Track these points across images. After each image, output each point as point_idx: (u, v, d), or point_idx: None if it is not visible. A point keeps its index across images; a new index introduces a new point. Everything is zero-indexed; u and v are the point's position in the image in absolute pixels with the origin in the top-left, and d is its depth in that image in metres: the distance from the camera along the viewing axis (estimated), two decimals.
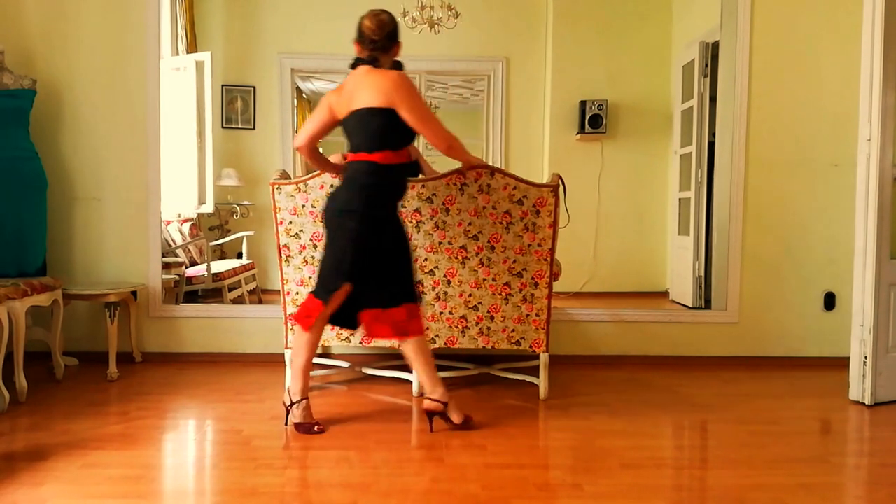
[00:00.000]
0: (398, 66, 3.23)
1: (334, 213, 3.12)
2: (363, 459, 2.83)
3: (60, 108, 4.36)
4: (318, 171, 3.58)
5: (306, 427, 3.14)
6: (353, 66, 3.19)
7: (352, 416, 3.40)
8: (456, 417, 3.17)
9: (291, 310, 3.69)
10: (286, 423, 3.20)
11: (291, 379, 3.21)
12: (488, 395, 3.78)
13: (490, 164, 3.65)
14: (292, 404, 3.17)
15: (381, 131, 3.08)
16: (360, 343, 3.70)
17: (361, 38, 3.17)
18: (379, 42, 3.15)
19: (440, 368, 3.98)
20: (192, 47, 6.33)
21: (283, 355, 3.82)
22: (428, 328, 3.66)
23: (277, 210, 3.62)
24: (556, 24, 6.77)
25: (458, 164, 3.44)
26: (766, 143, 4.51)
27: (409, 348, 3.18)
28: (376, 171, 3.09)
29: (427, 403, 3.17)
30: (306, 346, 3.17)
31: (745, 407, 3.63)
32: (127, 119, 4.38)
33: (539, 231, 3.58)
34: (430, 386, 3.17)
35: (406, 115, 3.05)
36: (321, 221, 3.28)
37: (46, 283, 3.80)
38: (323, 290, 3.14)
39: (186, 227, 5.92)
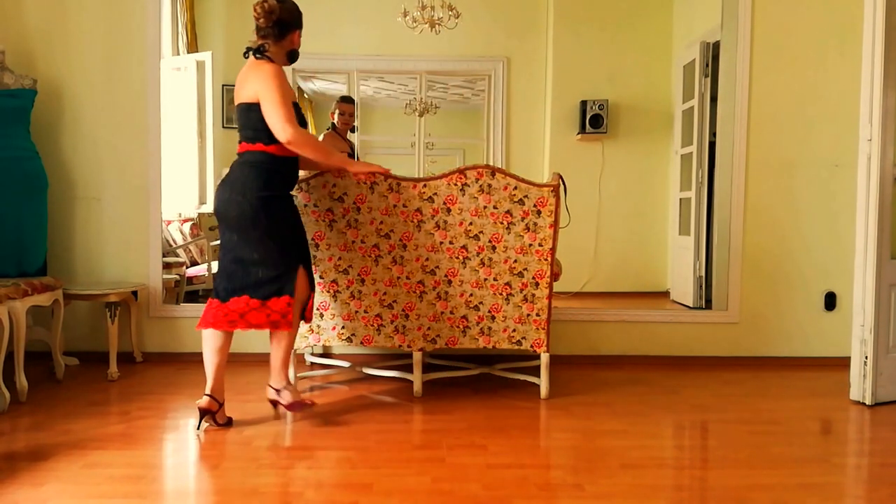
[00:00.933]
0: (293, 56, 3.25)
1: (234, 207, 3.17)
2: (364, 459, 2.83)
3: (61, 107, 4.36)
4: (318, 171, 3.58)
5: (299, 405, 3.25)
6: (244, 55, 3.20)
7: (353, 416, 3.40)
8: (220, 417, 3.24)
9: None
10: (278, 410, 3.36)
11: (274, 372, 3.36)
12: (489, 395, 3.78)
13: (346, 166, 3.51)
14: (278, 391, 3.31)
15: (246, 125, 3.16)
16: (361, 343, 3.70)
17: (257, 27, 3.17)
18: (264, 30, 3.15)
19: (441, 368, 3.99)
20: (192, 47, 6.32)
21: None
22: (429, 328, 3.67)
23: None
24: (557, 24, 6.77)
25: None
26: (766, 144, 4.51)
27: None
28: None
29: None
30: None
31: (746, 407, 3.63)
32: (128, 119, 4.38)
33: (540, 231, 3.58)
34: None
35: (262, 104, 3.07)
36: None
37: (47, 282, 3.80)
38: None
39: (187, 227, 5.92)
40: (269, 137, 3.11)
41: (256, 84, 3.09)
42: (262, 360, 4.32)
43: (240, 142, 3.22)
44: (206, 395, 3.19)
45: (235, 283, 3.18)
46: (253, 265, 3.16)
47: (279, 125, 3.04)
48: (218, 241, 6.32)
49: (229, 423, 3.25)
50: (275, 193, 3.17)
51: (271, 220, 3.14)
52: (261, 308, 3.16)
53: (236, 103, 3.18)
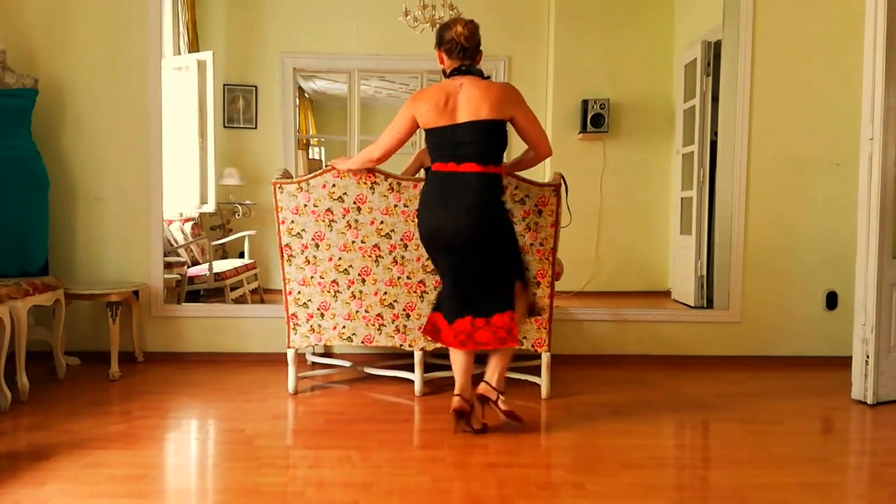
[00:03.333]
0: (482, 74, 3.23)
1: (475, 227, 3.08)
2: (365, 459, 2.83)
3: (62, 107, 4.36)
4: (319, 171, 3.59)
5: (513, 414, 3.16)
6: (449, 76, 3.15)
7: (354, 415, 3.40)
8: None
9: (293, 309, 3.69)
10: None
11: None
12: None
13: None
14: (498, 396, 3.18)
15: (498, 144, 3.13)
16: (362, 343, 3.70)
17: (449, 46, 3.12)
18: (470, 50, 3.14)
19: (442, 368, 3.99)
20: (193, 46, 6.33)
21: (284, 355, 3.82)
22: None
23: (279, 209, 3.62)
24: (558, 24, 6.76)
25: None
26: (768, 143, 4.50)
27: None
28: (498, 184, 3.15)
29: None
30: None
31: (747, 406, 3.63)
32: (129, 118, 4.38)
33: (541, 230, 3.58)
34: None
35: (524, 125, 3.15)
36: (434, 240, 3.15)
37: (48, 282, 3.80)
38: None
39: (188, 227, 5.92)
40: (500, 158, 3.16)
41: (514, 105, 3.13)
42: (263, 360, 4.35)
43: (459, 162, 3.06)
44: (456, 395, 3.16)
45: (461, 303, 3.16)
46: (475, 285, 3.15)
47: (547, 142, 3.22)
48: (219, 241, 6.34)
49: (484, 429, 3.14)
50: (507, 213, 3.22)
51: (501, 239, 3.16)
52: (486, 326, 3.12)
53: (466, 122, 3.05)
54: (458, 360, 3.19)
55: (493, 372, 3.17)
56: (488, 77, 3.21)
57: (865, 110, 3.69)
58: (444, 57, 3.16)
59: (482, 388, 3.15)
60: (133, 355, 4.32)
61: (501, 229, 3.13)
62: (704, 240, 5.81)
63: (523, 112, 3.16)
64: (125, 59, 4.37)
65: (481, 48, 3.21)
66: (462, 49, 3.12)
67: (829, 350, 4.49)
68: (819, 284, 4.55)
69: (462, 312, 3.13)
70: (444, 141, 3.08)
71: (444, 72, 3.20)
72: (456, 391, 3.18)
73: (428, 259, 3.60)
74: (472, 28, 3.13)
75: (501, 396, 3.16)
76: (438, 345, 3.69)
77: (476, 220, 3.04)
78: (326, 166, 3.58)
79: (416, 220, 3.57)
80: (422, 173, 4.07)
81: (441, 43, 3.15)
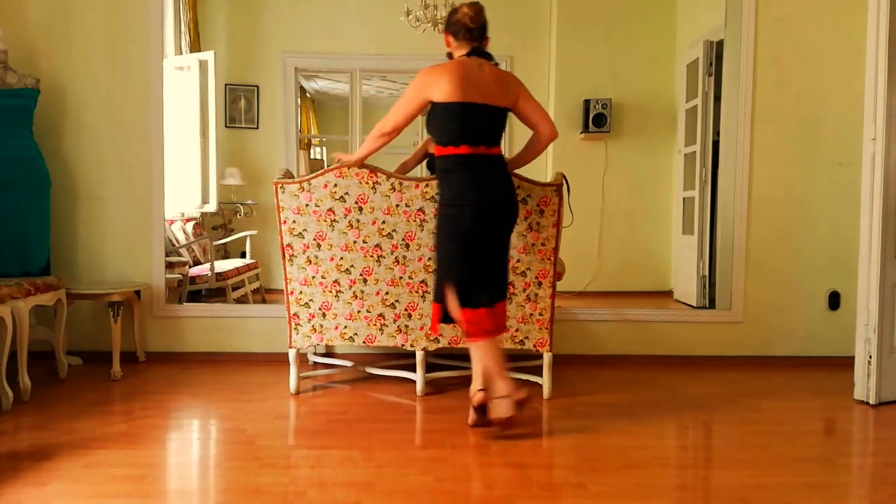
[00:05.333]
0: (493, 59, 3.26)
1: (513, 207, 3.19)
2: (367, 459, 2.82)
3: (64, 107, 4.36)
4: (321, 171, 3.58)
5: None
6: (467, 55, 3.16)
7: (355, 415, 3.40)
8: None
9: (295, 309, 3.69)
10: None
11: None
12: None
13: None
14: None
15: (503, 130, 3.21)
16: (363, 343, 3.70)
17: (455, 27, 3.16)
18: (476, 31, 3.16)
19: (444, 368, 3.99)
20: (195, 46, 6.33)
21: (286, 354, 3.81)
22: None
23: (281, 209, 3.62)
24: (560, 23, 6.75)
25: None
26: (770, 143, 4.50)
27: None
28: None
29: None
30: None
31: (750, 406, 3.62)
32: (130, 118, 4.38)
33: (543, 230, 3.58)
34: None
35: (526, 107, 3.18)
36: (481, 220, 3.09)
37: (50, 282, 3.80)
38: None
39: (190, 227, 5.92)
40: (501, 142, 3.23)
41: (519, 89, 3.19)
42: (265, 360, 4.34)
43: (489, 146, 3.12)
44: (481, 389, 3.13)
45: (495, 286, 3.18)
46: (498, 267, 3.21)
47: (551, 123, 3.24)
48: (220, 241, 6.34)
49: (488, 423, 3.12)
50: None
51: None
52: (491, 313, 3.12)
53: (485, 104, 3.07)
54: (487, 349, 3.09)
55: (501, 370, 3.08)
56: (496, 64, 3.24)
57: (868, 110, 3.68)
58: (451, 39, 3.20)
59: (519, 393, 3.05)
60: (135, 355, 4.32)
61: (517, 213, 3.26)
62: (707, 240, 5.80)
63: (526, 96, 3.21)
64: (127, 58, 4.37)
65: (488, 35, 3.23)
66: (468, 30, 3.14)
67: (831, 350, 4.49)
68: (822, 284, 4.55)
69: (483, 299, 3.11)
70: (466, 120, 3.06)
71: (448, 55, 3.22)
72: (480, 385, 3.12)
73: (430, 259, 3.60)
74: (478, 9, 3.17)
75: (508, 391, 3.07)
76: (440, 345, 3.69)
77: (512, 201, 3.19)
78: (330, 164, 3.56)
79: (417, 219, 3.56)
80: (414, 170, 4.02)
81: (448, 25, 3.19)
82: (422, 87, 3.12)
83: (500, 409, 3.02)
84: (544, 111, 3.25)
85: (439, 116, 3.12)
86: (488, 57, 3.20)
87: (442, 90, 3.06)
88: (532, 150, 3.35)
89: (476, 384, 3.15)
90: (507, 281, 3.27)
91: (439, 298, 3.17)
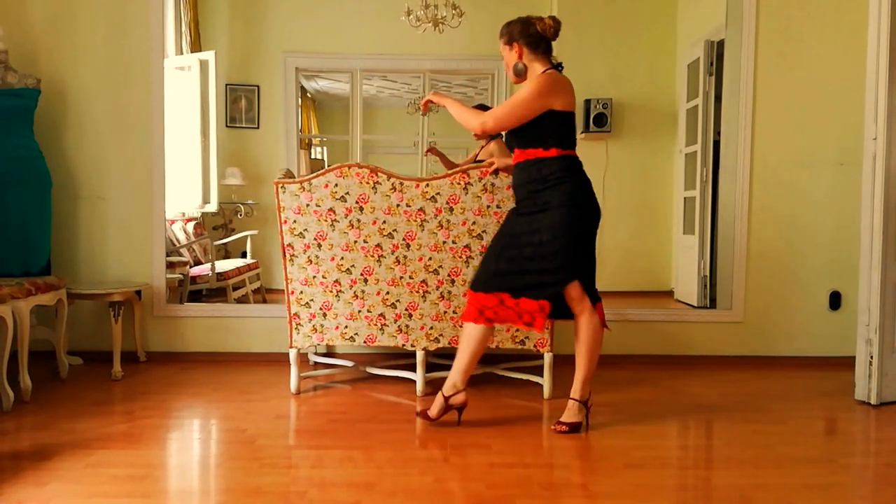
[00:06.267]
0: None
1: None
2: (367, 459, 2.82)
3: (65, 107, 4.36)
4: (322, 171, 3.58)
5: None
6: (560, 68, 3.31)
7: (356, 415, 3.40)
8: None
9: (295, 309, 3.69)
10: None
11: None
12: (492, 394, 3.78)
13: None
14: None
15: None
16: (364, 343, 3.70)
17: (537, 40, 3.25)
18: (551, 45, 3.32)
19: (444, 368, 3.98)
20: (195, 46, 6.33)
21: (286, 354, 3.82)
22: (432, 327, 3.66)
23: (281, 209, 3.62)
24: (561, 23, 6.75)
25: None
26: (771, 142, 4.49)
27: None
28: None
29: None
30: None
31: (750, 406, 3.62)
32: (131, 118, 4.38)
33: None
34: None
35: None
36: (592, 215, 3.23)
37: (51, 282, 3.80)
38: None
39: (190, 227, 5.92)
40: None
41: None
42: (265, 359, 4.35)
43: (574, 148, 3.27)
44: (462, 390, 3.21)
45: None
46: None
47: None
48: (221, 241, 6.34)
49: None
50: None
51: None
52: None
53: (567, 110, 3.23)
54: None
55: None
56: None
57: (869, 110, 3.68)
58: (527, 51, 3.23)
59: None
60: (135, 355, 4.32)
61: None
62: (707, 240, 5.80)
63: None
64: (128, 58, 4.37)
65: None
66: (549, 44, 3.28)
67: (832, 350, 4.48)
68: (823, 284, 4.54)
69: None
70: (573, 128, 3.24)
71: (518, 66, 3.24)
72: (464, 385, 3.21)
73: (430, 258, 3.60)
74: (559, 23, 3.32)
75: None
76: (441, 345, 3.69)
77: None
78: (427, 96, 3.49)
79: (417, 219, 3.56)
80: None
81: (523, 36, 3.23)
82: (543, 100, 3.15)
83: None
84: None
85: (558, 123, 3.19)
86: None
87: (564, 101, 3.19)
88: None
89: (461, 382, 3.19)
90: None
91: (551, 296, 3.12)
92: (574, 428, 3.15)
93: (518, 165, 3.22)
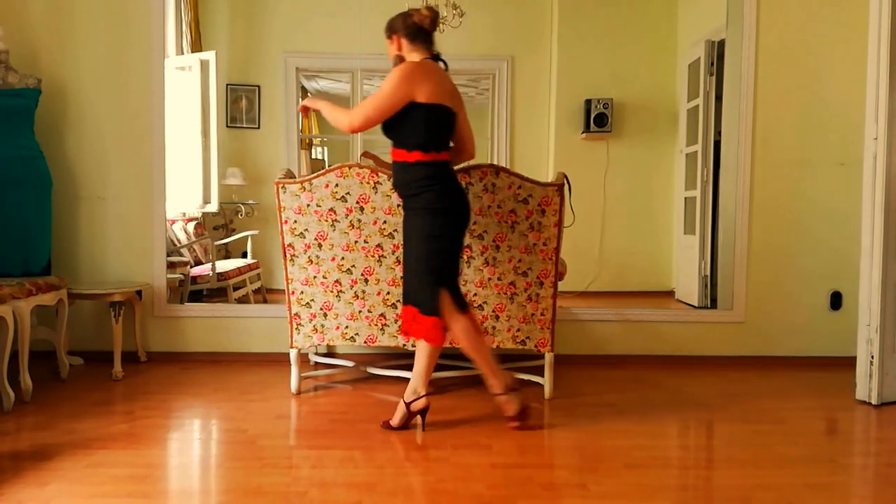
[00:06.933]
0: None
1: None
2: (368, 459, 2.82)
3: (65, 107, 4.36)
4: (322, 171, 3.58)
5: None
6: (437, 59, 3.17)
7: (357, 415, 3.40)
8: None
9: (296, 309, 3.68)
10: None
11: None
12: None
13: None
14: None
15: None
16: (365, 343, 3.70)
17: (415, 31, 3.15)
18: (431, 35, 3.19)
19: (445, 368, 3.99)
20: (196, 46, 6.33)
21: (287, 354, 3.82)
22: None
23: (282, 209, 3.62)
24: (562, 23, 6.75)
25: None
26: (772, 142, 4.49)
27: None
28: None
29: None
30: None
31: (751, 406, 3.62)
32: (131, 118, 4.38)
33: (544, 230, 3.57)
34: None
35: (464, 123, 3.21)
36: (459, 221, 3.17)
37: (51, 282, 3.81)
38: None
39: (191, 227, 5.92)
40: None
41: (462, 102, 3.20)
42: (266, 360, 4.35)
43: (446, 150, 3.16)
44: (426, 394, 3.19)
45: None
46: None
47: (475, 146, 3.33)
48: (222, 241, 6.34)
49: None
50: None
51: None
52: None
53: (454, 112, 3.14)
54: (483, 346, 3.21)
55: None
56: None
57: (870, 110, 3.67)
58: (405, 43, 3.15)
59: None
60: (136, 355, 4.32)
61: None
62: (708, 240, 5.80)
63: (465, 110, 3.22)
64: (128, 58, 4.37)
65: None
66: (427, 33, 3.15)
67: (833, 350, 4.48)
68: (823, 284, 4.54)
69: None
70: (443, 126, 3.09)
71: (396, 59, 3.18)
72: (425, 390, 3.19)
73: None
74: (436, 13, 3.16)
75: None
76: (446, 344, 3.68)
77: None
78: (302, 102, 3.51)
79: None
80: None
81: (400, 28, 3.16)
82: (403, 83, 3.02)
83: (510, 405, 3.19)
84: (471, 130, 3.28)
85: (421, 117, 3.04)
86: (446, 64, 3.19)
87: (428, 91, 3.01)
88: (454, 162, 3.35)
89: (422, 387, 3.17)
90: None
91: (436, 311, 3.07)
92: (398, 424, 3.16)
93: (393, 165, 3.19)
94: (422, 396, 3.17)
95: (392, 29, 3.19)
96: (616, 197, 6.81)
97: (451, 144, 3.21)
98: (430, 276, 3.08)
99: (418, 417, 3.20)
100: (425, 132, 3.05)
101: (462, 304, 3.15)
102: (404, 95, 3.01)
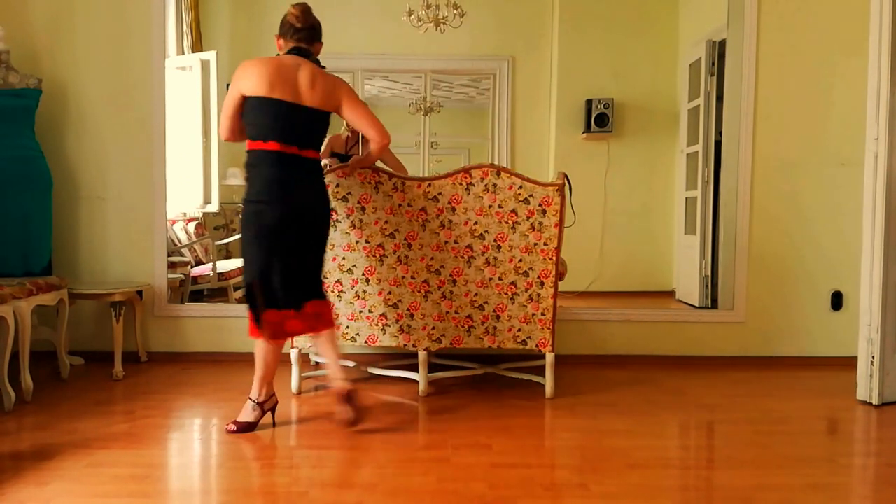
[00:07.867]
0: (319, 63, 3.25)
1: (324, 212, 3.18)
2: (369, 459, 2.82)
3: (66, 107, 4.36)
4: (324, 171, 3.57)
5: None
6: (293, 52, 3.18)
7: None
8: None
9: None
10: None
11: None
12: (494, 394, 3.78)
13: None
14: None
15: (322, 133, 3.19)
16: (366, 343, 3.70)
17: (284, 28, 3.21)
18: (304, 32, 3.18)
19: (446, 368, 3.99)
20: (197, 46, 6.32)
21: (288, 354, 3.81)
22: (434, 327, 3.66)
23: None
24: (562, 23, 6.75)
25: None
26: (772, 142, 4.49)
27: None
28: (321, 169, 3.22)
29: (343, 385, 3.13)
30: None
31: (752, 407, 3.61)
32: (132, 118, 4.38)
33: (545, 230, 3.57)
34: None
35: (350, 113, 3.16)
36: (286, 219, 3.06)
37: (52, 282, 3.80)
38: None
39: (192, 227, 5.92)
40: (320, 145, 3.21)
41: (343, 94, 3.18)
42: None
43: (301, 147, 3.08)
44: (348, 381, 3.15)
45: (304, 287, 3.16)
46: (305, 269, 3.17)
47: (382, 129, 3.21)
48: (222, 241, 6.33)
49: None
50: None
51: (326, 228, 3.25)
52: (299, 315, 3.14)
53: (297, 103, 3.05)
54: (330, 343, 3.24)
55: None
56: (324, 67, 3.25)
57: (871, 110, 3.67)
58: (282, 42, 3.23)
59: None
60: (136, 355, 4.32)
61: (328, 219, 3.25)
62: (709, 240, 5.80)
63: (351, 101, 3.19)
64: (129, 58, 4.37)
65: (321, 41, 3.30)
66: (295, 30, 3.18)
67: (834, 350, 4.48)
68: (824, 284, 4.54)
69: (291, 300, 3.11)
70: (277, 118, 3.03)
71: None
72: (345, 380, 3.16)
73: (432, 258, 3.59)
74: (305, 9, 3.21)
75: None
76: (442, 345, 3.69)
77: (323, 206, 3.19)
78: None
79: (419, 219, 3.56)
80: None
81: (279, 28, 3.23)
82: (234, 81, 3.12)
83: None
84: (371, 118, 3.21)
85: (249, 110, 3.09)
86: (314, 60, 3.21)
87: (251, 84, 3.06)
88: (373, 155, 3.37)
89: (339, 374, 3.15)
90: (319, 281, 3.24)
91: (246, 298, 3.10)
92: (245, 428, 3.12)
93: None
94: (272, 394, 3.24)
95: (279, 29, 3.28)
96: (617, 197, 6.81)
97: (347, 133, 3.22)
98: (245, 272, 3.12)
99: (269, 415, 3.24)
100: (257, 121, 3.08)
101: (273, 304, 3.08)
102: (236, 92, 3.12)
